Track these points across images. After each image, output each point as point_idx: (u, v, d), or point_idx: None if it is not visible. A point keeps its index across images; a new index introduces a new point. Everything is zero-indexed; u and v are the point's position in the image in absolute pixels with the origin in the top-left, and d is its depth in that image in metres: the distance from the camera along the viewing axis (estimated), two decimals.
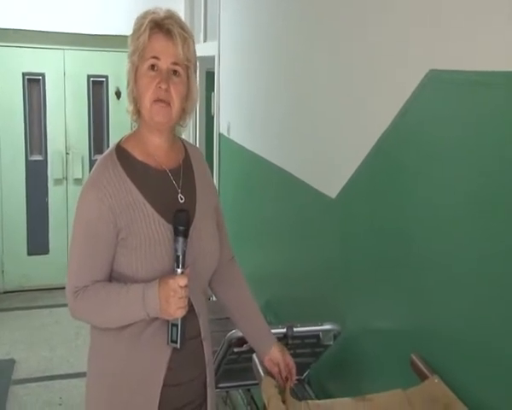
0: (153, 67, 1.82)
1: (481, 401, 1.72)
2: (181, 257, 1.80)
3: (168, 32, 1.82)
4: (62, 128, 6.37)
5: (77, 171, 6.41)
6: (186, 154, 2.04)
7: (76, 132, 6.41)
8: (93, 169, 1.91)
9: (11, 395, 4.47)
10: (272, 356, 2.06)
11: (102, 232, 1.83)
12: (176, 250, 1.81)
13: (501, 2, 1.64)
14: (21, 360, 5.01)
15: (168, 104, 1.83)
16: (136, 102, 1.87)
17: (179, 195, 1.94)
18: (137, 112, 1.89)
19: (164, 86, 1.81)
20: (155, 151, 1.93)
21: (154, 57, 1.81)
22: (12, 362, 4.94)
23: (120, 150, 1.92)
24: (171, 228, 1.85)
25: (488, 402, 1.71)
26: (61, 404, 4.32)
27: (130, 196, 1.85)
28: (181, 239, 1.81)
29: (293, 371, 2.07)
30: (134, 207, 1.85)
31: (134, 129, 1.99)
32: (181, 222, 1.82)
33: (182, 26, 1.84)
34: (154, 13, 1.83)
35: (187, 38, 1.84)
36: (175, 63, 1.83)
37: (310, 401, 1.98)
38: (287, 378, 2.03)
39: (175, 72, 1.84)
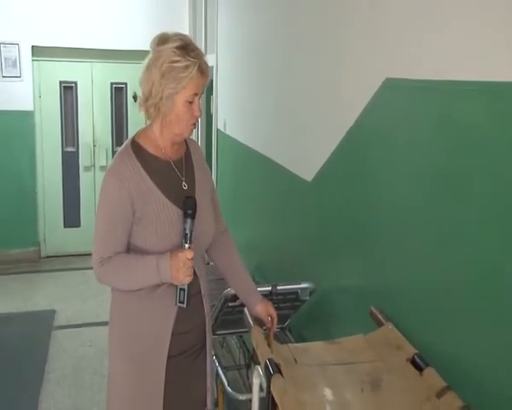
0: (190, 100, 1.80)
1: (426, 342, 1.73)
2: (189, 235, 1.80)
3: (204, 72, 1.79)
4: (90, 125, 6.31)
5: (102, 160, 6.35)
6: (187, 147, 2.01)
7: (101, 129, 6.36)
8: (113, 160, 1.88)
9: (53, 338, 4.49)
10: (258, 312, 2.06)
11: (122, 212, 1.81)
12: (184, 229, 1.81)
13: (445, 20, 1.62)
14: (60, 310, 5.00)
15: (195, 124, 1.86)
16: (159, 108, 1.80)
17: (183, 183, 1.92)
18: (153, 112, 1.84)
19: (199, 115, 1.83)
20: (163, 146, 1.90)
21: (195, 94, 1.79)
22: (53, 312, 4.94)
23: (135, 144, 1.89)
24: (177, 210, 1.84)
25: (431, 343, 1.72)
26: (91, 346, 4.36)
27: (144, 183, 1.83)
28: (189, 220, 1.81)
29: (275, 321, 2.06)
30: (147, 192, 1.83)
31: (143, 128, 1.94)
32: (189, 207, 1.82)
33: (207, 63, 1.82)
34: (196, 55, 1.76)
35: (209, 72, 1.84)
36: (202, 92, 1.83)
37: (290, 345, 1.98)
38: (269, 328, 2.03)
39: (200, 97, 1.83)
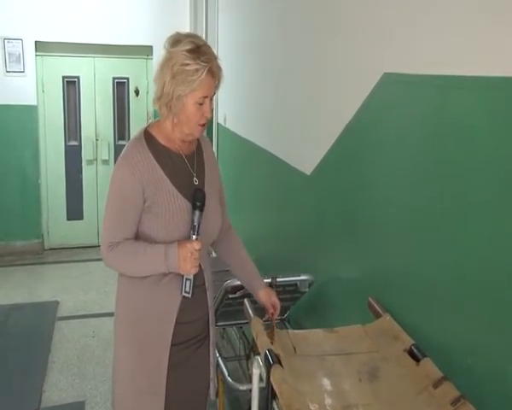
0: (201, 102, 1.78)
1: (423, 333, 1.73)
2: (196, 226, 1.81)
3: (214, 74, 1.78)
4: (93, 119, 6.30)
5: (104, 153, 6.33)
6: (198, 144, 2.00)
7: (104, 123, 6.34)
8: (125, 148, 1.87)
9: (56, 328, 4.49)
10: (261, 297, 2.06)
11: (133, 199, 1.81)
12: (193, 221, 1.81)
13: (443, 15, 1.61)
14: (63, 301, 5.00)
15: (205, 124, 1.84)
16: (170, 107, 1.79)
17: (194, 178, 1.91)
18: (165, 111, 1.82)
19: (210, 116, 1.81)
20: (175, 139, 1.89)
21: (205, 96, 1.77)
22: (56, 303, 4.94)
23: (147, 134, 1.88)
24: (186, 202, 1.84)
25: (428, 334, 1.71)
26: (93, 336, 4.34)
27: (155, 173, 1.83)
28: (197, 212, 1.81)
29: (277, 311, 2.06)
30: (158, 181, 1.82)
31: (157, 119, 1.92)
32: (199, 199, 1.82)
33: (220, 65, 1.80)
34: (206, 59, 1.73)
35: (222, 74, 1.82)
36: (214, 94, 1.82)
37: (290, 331, 1.98)
38: (272, 314, 2.02)
39: (211, 98, 1.82)
